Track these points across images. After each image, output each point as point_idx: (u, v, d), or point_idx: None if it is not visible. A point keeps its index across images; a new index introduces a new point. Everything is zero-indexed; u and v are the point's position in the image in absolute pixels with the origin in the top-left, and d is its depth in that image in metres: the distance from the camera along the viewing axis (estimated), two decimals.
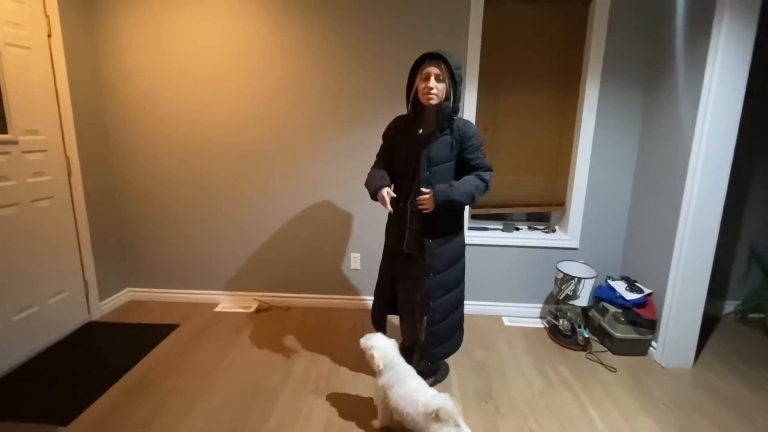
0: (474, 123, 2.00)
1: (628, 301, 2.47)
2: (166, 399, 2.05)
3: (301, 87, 2.78)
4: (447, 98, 1.83)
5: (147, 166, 2.93)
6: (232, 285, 3.09)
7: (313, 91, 2.78)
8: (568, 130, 2.79)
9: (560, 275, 2.60)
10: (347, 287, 3.05)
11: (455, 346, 2.11)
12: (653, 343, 2.49)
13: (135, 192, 2.98)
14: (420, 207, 1.88)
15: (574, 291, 2.54)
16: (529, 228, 3.00)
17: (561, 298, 2.62)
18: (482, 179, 1.91)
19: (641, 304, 2.46)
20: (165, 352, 2.45)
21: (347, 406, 2.00)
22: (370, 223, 2.92)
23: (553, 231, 2.95)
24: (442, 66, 1.81)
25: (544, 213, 3.04)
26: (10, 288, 2.26)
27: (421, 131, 1.92)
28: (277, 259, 3.03)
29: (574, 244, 2.83)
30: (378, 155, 2.14)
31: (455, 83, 1.82)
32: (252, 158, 2.89)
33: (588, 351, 2.54)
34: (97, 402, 2.02)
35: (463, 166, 1.94)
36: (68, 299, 2.63)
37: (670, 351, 2.39)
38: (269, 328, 2.76)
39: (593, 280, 2.54)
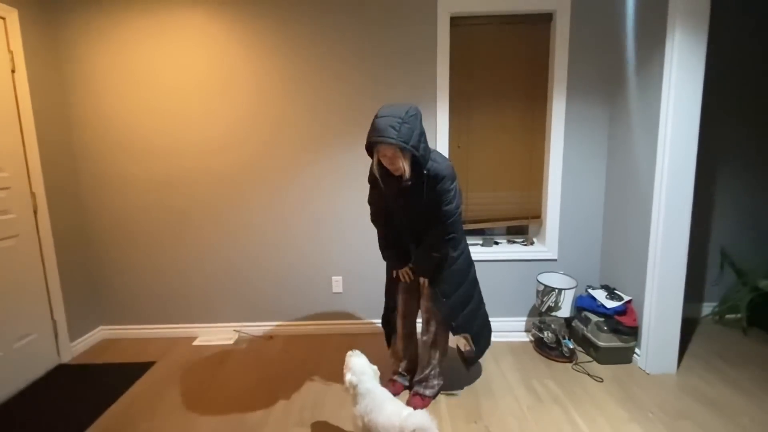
0: (446, 158, 1.93)
1: (609, 309, 2.49)
2: None
3: (275, 113, 2.78)
4: (414, 151, 1.74)
5: (117, 200, 2.86)
6: (210, 317, 3.00)
7: (286, 115, 2.78)
8: (539, 144, 2.85)
9: (541, 287, 2.61)
10: (330, 312, 2.99)
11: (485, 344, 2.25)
12: (636, 350, 2.50)
13: (105, 227, 2.89)
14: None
15: (556, 302, 2.54)
16: (508, 242, 3.02)
17: (543, 310, 2.62)
18: (439, 249, 1.96)
19: (622, 311, 2.48)
20: (140, 392, 2.33)
21: None
22: (349, 245, 2.89)
23: (532, 243, 2.98)
24: (392, 148, 1.72)
25: (522, 226, 3.07)
26: None
27: (397, 180, 1.86)
28: (256, 288, 2.96)
29: (553, 255, 2.85)
30: (371, 203, 2.10)
31: (416, 147, 1.73)
32: (226, 187, 2.85)
33: (574, 362, 2.53)
34: None
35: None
36: (36, 342, 2.50)
37: (654, 357, 2.40)
38: (250, 359, 2.67)
39: (573, 290, 2.56)
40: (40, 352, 2.53)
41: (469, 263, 2.14)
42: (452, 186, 1.87)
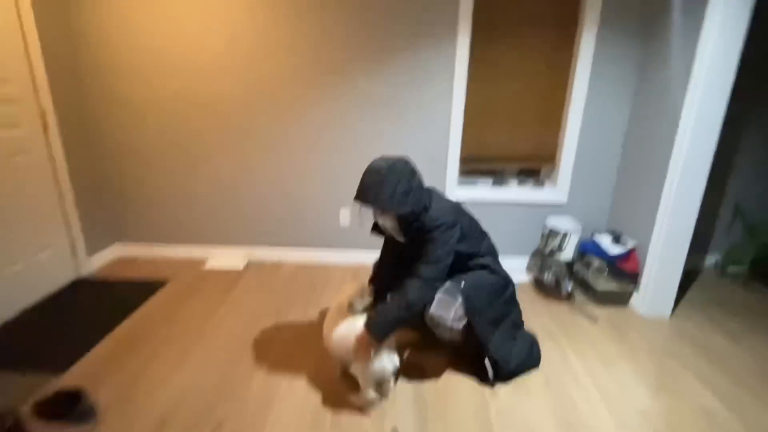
0: (446, 203, 1.83)
1: (612, 254, 2.52)
2: (157, 350, 2.09)
3: (289, 36, 2.64)
4: (397, 205, 1.67)
5: (130, 118, 2.83)
6: (222, 240, 3.09)
7: (299, 39, 2.65)
8: (562, 83, 2.72)
9: (547, 230, 2.62)
10: (337, 243, 3.06)
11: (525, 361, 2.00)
12: (634, 295, 2.56)
13: (118, 145, 2.89)
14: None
15: (560, 245, 2.57)
16: (519, 183, 2.99)
17: (547, 252, 2.65)
18: (406, 300, 1.70)
19: (624, 257, 2.50)
20: (155, 308, 2.47)
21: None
22: (357, 177, 2.87)
23: (543, 185, 2.95)
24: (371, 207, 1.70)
25: (534, 168, 3.03)
26: None
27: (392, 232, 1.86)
28: (267, 215, 3.01)
29: (563, 199, 2.83)
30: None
31: (397, 205, 1.66)
32: (239, 111, 2.79)
33: (572, 303, 2.61)
34: (89, 353, 2.06)
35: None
36: (54, 256, 2.61)
37: (650, 302, 2.46)
38: (259, 283, 2.78)
39: (579, 233, 2.57)
40: (59, 266, 2.66)
41: (505, 284, 1.96)
42: (442, 236, 1.73)
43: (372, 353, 1.68)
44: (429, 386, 1.89)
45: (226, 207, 3.01)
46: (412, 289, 1.71)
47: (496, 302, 1.90)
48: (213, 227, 3.06)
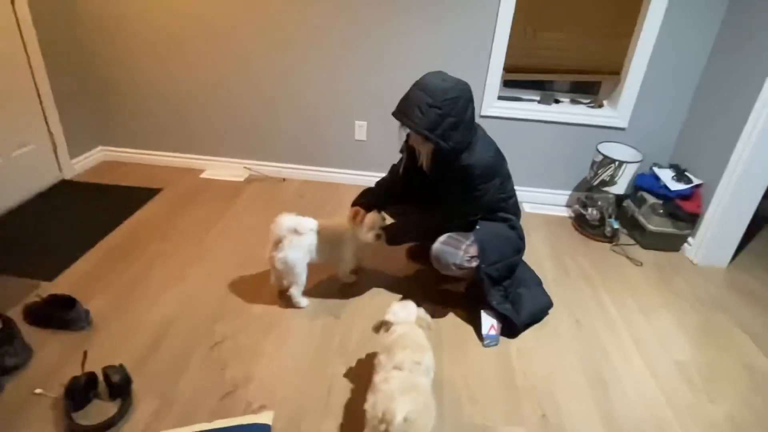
0: (491, 149, 1.78)
1: (671, 191, 2.44)
2: (153, 262, 2.17)
3: None
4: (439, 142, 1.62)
5: (113, 7, 2.67)
6: (220, 151, 3.07)
7: None
8: None
9: (599, 157, 2.53)
10: (350, 160, 3.02)
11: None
12: (689, 239, 2.52)
13: (103, 39, 2.77)
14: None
15: (612, 176, 2.49)
16: (572, 101, 2.85)
17: (595, 183, 2.59)
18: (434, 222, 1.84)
19: (686, 195, 2.43)
20: (149, 216, 2.53)
21: (336, 283, 2.12)
22: (378, 86, 2.76)
23: (600, 106, 2.80)
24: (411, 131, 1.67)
25: (592, 83, 2.85)
26: None
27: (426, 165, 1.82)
28: (271, 125, 2.95)
29: (622, 123, 2.70)
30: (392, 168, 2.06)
31: (443, 136, 1.61)
32: (242, 7, 2.62)
33: (614, 243, 2.60)
34: (80, 260, 2.15)
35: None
36: (35, 153, 2.63)
37: (707, 248, 2.43)
38: (262, 198, 2.81)
39: (636, 165, 2.48)
40: (41, 165, 2.70)
41: (518, 247, 1.99)
42: (482, 186, 1.74)
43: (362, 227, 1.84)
44: (447, 324, 1.96)
45: (225, 116, 2.95)
46: (444, 215, 1.80)
47: (507, 258, 1.90)
48: (210, 137, 3.03)
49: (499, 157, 1.82)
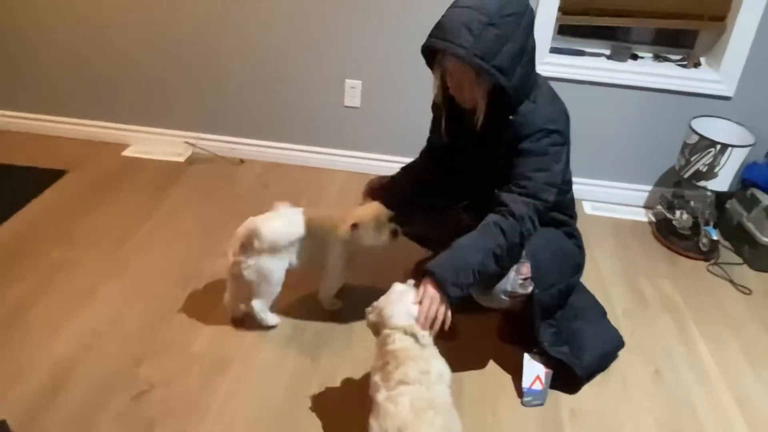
0: (558, 101, 1.79)
1: None
2: (52, 276, 2.19)
3: None
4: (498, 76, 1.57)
5: None
6: (152, 119, 3.12)
7: None
8: None
9: (693, 139, 2.54)
10: (337, 135, 3.05)
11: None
12: None
13: None
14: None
15: (712, 165, 2.50)
16: (656, 57, 2.87)
17: (687, 176, 2.60)
18: (497, 242, 1.60)
19: None
20: (48, 209, 2.56)
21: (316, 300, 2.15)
22: (379, 36, 2.80)
23: (697, 65, 2.82)
24: (460, 64, 1.57)
25: (686, 32, 2.87)
26: None
27: (466, 116, 1.75)
28: (225, 85, 2.99)
29: (728, 90, 2.72)
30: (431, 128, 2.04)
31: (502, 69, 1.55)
32: None
33: (712, 261, 2.60)
34: None
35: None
36: None
37: None
38: (210, 186, 2.84)
39: (746, 150, 2.49)
40: None
41: (578, 263, 2.01)
42: (551, 149, 1.68)
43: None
44: (470, 372, 1.96)
45: (160, 71, 2.99)
46: (504, 226, 1.62)
47: (566, 279, 1.91)
48: (138, 100, 3.07)
49: (568, 121, 1.79)
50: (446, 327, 1.54)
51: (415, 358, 1.40)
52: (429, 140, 2.08)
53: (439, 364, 1.44)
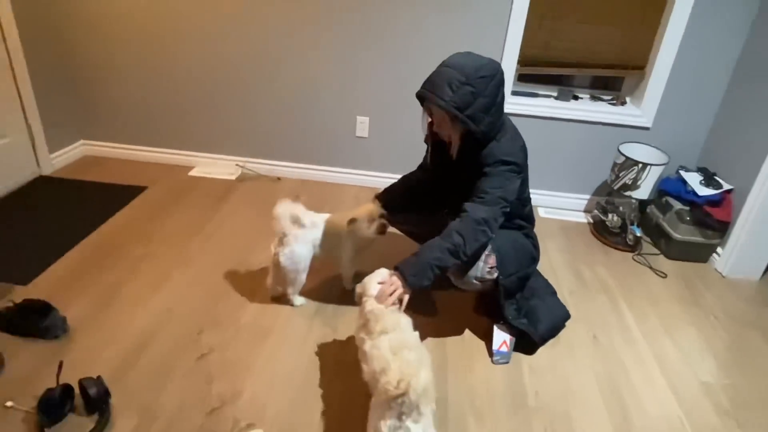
0: (519, 142, 1.78)
1: (700, 197, 2.43)
2: (136, 266, 2.18)
3: None
4: (469, 123, 1.59)
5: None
6: (210, 147, 3.10)
7: None
8: None
9: (621, 159, 2.53)
10: (351, 158, 3.04)
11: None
12: (718, 249, 2.51)
13: (85, 30, 2.80)
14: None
15: (635, 180, 2.49)
16: (593, 98, 2.85)
17: (616, 187, 2.58)
18: (453, 242, 1.61)
19: (716, 201, 2.42)
20: (133, 217, 2.55)
21: (336, 286, 2.14)
22: (382, 80, 2.78)
23: (623, 103, 2.80)
24: (441, 111, 1.61)
25: (614, 78, 2.86)
26: None
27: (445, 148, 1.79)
28: (267, 120, 2.97)
29: (647, 122, 2.70)
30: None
31: (473, 118, 1.58)
32: None
33: (636, 252, 2.59)
34: (57, 263, 2.16)
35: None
36: (12, 146, 2.66)
37: (738, 259, 2.42)
38: (255, 199, 2.83)
39: (661, 168, 2.47)
40: (17, 159, 2.72)
41: (534, 257, 1.99)
42: (506, 174, 1.69)
43: (393, 302, 1.57)
44: (452, 339, 1.96)
45: (217, 109, 2.97)
46: (462, 229, 1.63)
47: (524, 269, 1.91)
48: (201, 132, 3.06)
49: (525, 156, 1.79)
50: (402, 305, 1.58)
51: (387, 314, 1.48)
52: (423, 159, 2.07)
53: (404, 317, 1.51)
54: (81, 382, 1.50)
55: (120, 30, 2.80)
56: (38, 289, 2.00)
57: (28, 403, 1.50)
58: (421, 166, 2.09)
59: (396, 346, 1.33)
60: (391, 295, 1.54)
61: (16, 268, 2.10)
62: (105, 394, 1.51)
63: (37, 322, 1.75)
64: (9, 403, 1.51)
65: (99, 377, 1.52)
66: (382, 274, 1.62)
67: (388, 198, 2.04)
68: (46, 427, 1.43)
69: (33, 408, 1.47)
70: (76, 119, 3.07)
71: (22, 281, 2.03)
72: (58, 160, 2.96)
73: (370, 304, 1.53)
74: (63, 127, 2.99)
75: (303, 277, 1.96)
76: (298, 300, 2.02)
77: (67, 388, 1.50)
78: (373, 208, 1.91)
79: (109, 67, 2.91)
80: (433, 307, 2.08)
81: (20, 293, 1.94)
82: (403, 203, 2.04)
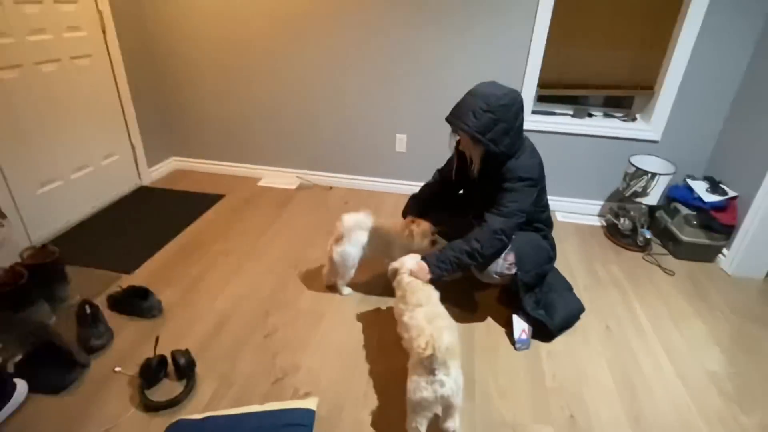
0: (536, 158, 1.75)
1: (706, 203, 2.31)
2: (216, 259, 2.28)
3: None
4: (490, 145, 1.62)
5: (185, 29, 2.84)
6: (275, 161, 3.19)
7: None
8: None
9: (631, 169, 2.44)
10: (391, 170, 3.05)
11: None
12: (724, 250, 2.38)
13: (175, 56, 2.95)
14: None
15: (645, 188, 2.39)
16: (605, 115, 2.76)
17: (627, 194, 2.49)
18: (471, 246, 1.67)
19: (721, 207, 2.30)
20: (213, 219, 2.67)
21: (379, 281, 2.13)
22: (417, 101, 2.78)
23: (634, 120, 2.69)
24: (465, 135, 1.65)
25: (625, 97, 2.76)
26: (63, 146, 2.44)
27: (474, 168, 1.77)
28: (319, 138, 3.03)
29: (656, 136, 2.58)
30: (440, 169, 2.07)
31: (494, 141, 1.61)
32: (294, 31, 2.70)
33: (646, 252, 2.49)
34: (155, 256, 2.29)
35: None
36: (119, 163, 2.84)
37: (742, 259, 2.28)
38: (311, 204, 2.89)
39: (669, 177, 2.37)
40: (123, 173, 2.90)
41: (551, 256, 1.94)
42: (524, 189, 1.69)
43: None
44: (478, 325, 1.94)
45: (280, 129, 3.05)
46: (481, 236, 1.67)
47: (540, 266, 1.87)
48: (267, 149, 3.15)
49: (541, 170, 1.78)
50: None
51: (422, 289, 1.58)
52: (442, 168, 2.07)
53: (435, 291, 1.60)
54: (173, 353, 1.59)
55: (205, 62, 2.94)
56: (140, 277, 2.13)
57: (131, 369, 1.60)
58: (439, 170, 2.09)
59: (430, 315, 1.43)
60: (418, 277, 1.64)
61: (122, 260, 2.24)
62: (192, 364, 1.59)
63: (139, 303, 1.87)
64: (117, 369, 1.62)
65: (187, 350, 1.60)
66: (416, 257, 1.71)
67: (420, 207, 2.07)
68: (145, 389, 1.52)
69: (135, 373, 1.56)
70: (168, 139, 3.23)
71: (127, 271, 2.16)
72: (154, 174, 3.14)
73: (407, 278, 1.63)
74: (158, 146, 3.16)
75: (352, 272, 1.99)
76: (346, 290, 2.05)
77: (162, 358, 1.59)
78: (428, 225, 1.91)
79: (195, 95, 3.06)
80: (474, 303, 2.06)
81: (126, 280, 2.08)
82: (431, 209, 2.06)
